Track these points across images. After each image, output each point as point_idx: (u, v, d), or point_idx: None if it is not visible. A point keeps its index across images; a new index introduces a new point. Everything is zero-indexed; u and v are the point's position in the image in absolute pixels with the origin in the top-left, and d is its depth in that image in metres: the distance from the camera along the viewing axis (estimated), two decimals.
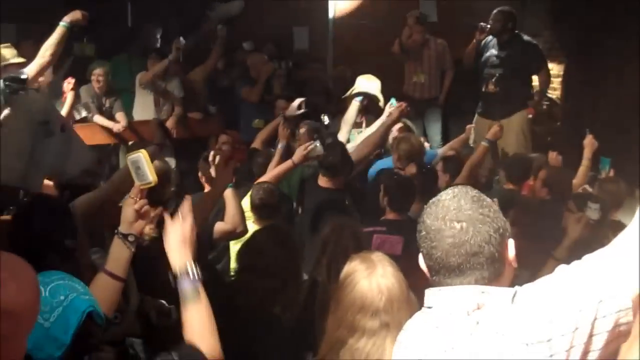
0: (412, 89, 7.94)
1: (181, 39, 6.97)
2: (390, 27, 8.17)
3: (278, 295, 3.01)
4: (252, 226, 4.26)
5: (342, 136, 5.64)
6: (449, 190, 1.76)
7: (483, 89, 7.10)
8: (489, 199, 1.74)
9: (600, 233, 3.89)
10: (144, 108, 7.32)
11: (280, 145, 5.27)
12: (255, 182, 4.64)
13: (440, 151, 6.21)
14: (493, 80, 6.96)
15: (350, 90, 6.30)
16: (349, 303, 2.34)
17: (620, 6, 6.92)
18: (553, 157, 5.81)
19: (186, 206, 2.38)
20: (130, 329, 2.89)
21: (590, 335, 1.50)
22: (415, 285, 2.22)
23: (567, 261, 1.59)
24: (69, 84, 5.31)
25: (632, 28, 6.56)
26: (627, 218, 4.75)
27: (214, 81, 7.88)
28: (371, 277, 2.35)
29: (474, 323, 1.60)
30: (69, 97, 5.32)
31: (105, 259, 2.48)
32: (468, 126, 6.52)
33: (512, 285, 1.69)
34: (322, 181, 4.88)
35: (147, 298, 3.13)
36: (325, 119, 6.54)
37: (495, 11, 7.02)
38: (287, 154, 5.10)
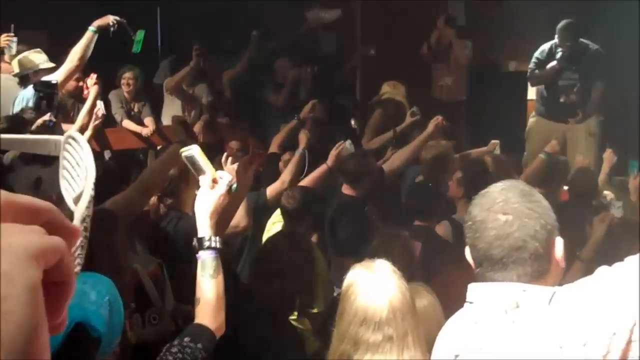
0: (439, 92, 7.97)
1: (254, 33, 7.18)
2: (419, 29, 8.24)
3: (292, 300, 3.01)
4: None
5: (368, 143, 5.70)
6: (499, 183, 1.76)
7: (561, 100, 7.05)
8: (540, 195, 1.72)
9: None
10: (172, 113, 7.43)
11: (298, 151, 5.11)
12: (290, 188, 4.60)
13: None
14: (575, 90, 6.93)
15: (377, 96, 6.37)
16: (351, 315, 2.24)
17: None
18: (580, 160, 5.81)
19: (225, 178, 2.39)
20: (165, 330, 2.99)
21: (629, 342, 1.48)
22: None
23: (593, 262, 1.61)
24: (91, 79, 5.32)
25: None
26: None
27: (241, 86, 7.96)
28: (372, 287, 2.23)
29: (511, 322, 1.60)
30: (92, 91, 5.29)
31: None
32: (493, 141, 6.27)
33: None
34: (345, 188, 4.94)
35: (179, 304, 3.21)
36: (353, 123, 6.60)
37: (560, 27, 6.97)
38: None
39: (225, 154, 4.14)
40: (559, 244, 1.68)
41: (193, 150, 2.41)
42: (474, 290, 1.71)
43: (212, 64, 7.54)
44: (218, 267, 2.27)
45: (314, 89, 7.78)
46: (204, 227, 2.31)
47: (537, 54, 7.23)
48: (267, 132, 7.44)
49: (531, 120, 7.26)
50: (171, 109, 7.47)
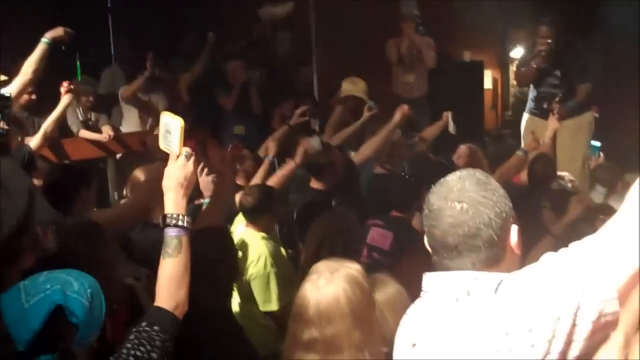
0: (400, 89, 8.09)
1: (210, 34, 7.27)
2: (374, 27, 8.34)
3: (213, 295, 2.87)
4: (244, 229, 4.34)
5: (329, 141, 5.80)
6: (457, 172, 1.79)
7: (544, 106, 6.86)
8: (496, 184, 1.75)
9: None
10: (129, 121, 7.46)
11: (268, 158, 5.24)
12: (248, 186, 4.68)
13: (415, 139, 6.32)
14: (556, 99, 6.64)
15: (337, 94, 6.48)
16: (292, 311, 2.30)
17: None
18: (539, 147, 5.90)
19: (190, 152, 2.37)
20: None
21: (573, 325, 1.52)
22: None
23: (565, 238, 1.64)
24: (64, 87, 5.29)
25: None
26: (617, 203, 4.91)
27: (199, 90, 8.00)
28: (312, 285, 2.26)
29: (461, 310, 1.64)
30: (63, 100, 5.27)
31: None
32: (444, 113, 6.46)
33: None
34: (313, 182, 5.07)
35: None
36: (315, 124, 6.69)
37: (540, 22, 6.69)
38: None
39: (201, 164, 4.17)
40: (513, 231, 1.72)
41: (176, 122, 2.38)
42: (428, 279, 1.75)
43: (168, 69, 7.56)
44: (179, 246, 2.26)
45: (271, 91, 7.85)
46: (168, 204, 2.31)
47: (523, 51, 7.14)
48: (226, 135, 7.51)
49: (525, 117, 7.26)
50: (129, 117, 7.49)
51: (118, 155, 7.25)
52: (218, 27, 8.14)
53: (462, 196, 1.69)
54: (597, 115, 7.20)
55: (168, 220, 2.28)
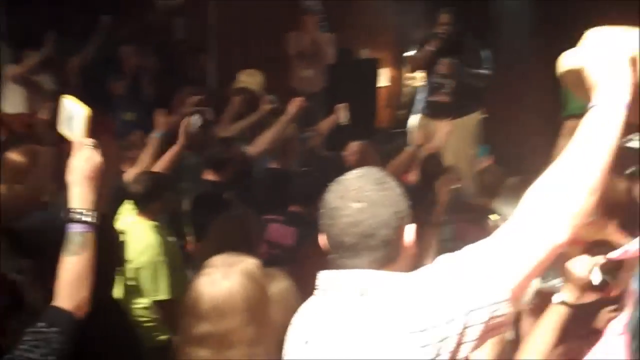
0: (298, 83, 8.11)
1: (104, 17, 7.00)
2: (274, 18, 8.31)
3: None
4: (133, 218, 4.23)
5: (224, 132, 5.75)
6: (355, 170, 1.79)
7: (431, 98, 7.17)
8: (394, 183, 1.76)
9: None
10: (14, 102, 7.16)
11: (155, 134, 5.09)
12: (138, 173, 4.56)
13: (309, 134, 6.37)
14: (444, 90, 7.00)
15: (233, 84, 6.43)
16: (184, 304, 2.25)
17: None
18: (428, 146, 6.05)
19: (95, 142, 2.29)
20: None
21: (465, 327, 1.57)
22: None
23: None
24: None
25: None
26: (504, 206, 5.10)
27: (89, 74, 7.77)
28: (207, 279, 2.22)
29: (359, 308, 1.65)
30: None
31: None
32: (338, 105, 6.49)
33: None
34: (207, 174, 5.03)
35: None
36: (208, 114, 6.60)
37: (443, 14, 6.99)
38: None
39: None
40: (409, 230, 1.75)
41: (81, 109, 2.29)
42: (323, 277, 1.76)
43: (58, 49, 7.31)
44: (84, 243, 2.17)
45: (164, 78, 7.71)
46: (74, 198, 2.21)
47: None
48: (116, 121, 7.33)
49: (414, 118, 7.41)
50: (13, 97, 7.18)
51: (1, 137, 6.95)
52: (112, 9, 7.92)
53: (360, 195, 1.70)
54: (484, 115, 7.43)
55: (72, 215, 2.18)
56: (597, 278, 2.29)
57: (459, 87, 7.03)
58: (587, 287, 2.32)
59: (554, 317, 2.34)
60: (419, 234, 1.79)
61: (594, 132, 1.62)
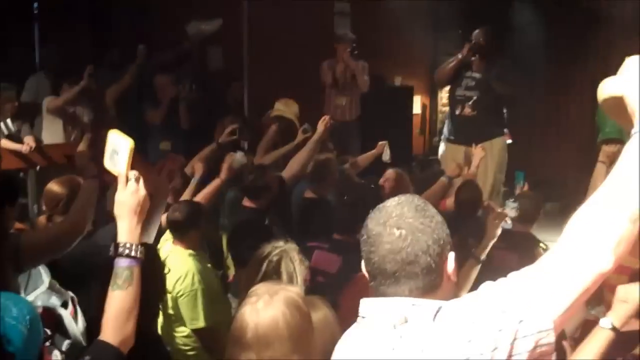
0: (333, 112, 8.09)
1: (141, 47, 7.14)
2: (308, 47, 8.40)
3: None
4: (171, 247, 4.29)
5: (260, 160, 5.80)
6: (396, 197, 1.79)
7: (457, 112, 7.16)
8: (434, 210, 1.76)
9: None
10: (52, 133, 7.31)
11: (194, 179, 5.19)
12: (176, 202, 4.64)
13: (346, 165, 6.38)
14: (470, 103, 6.99)
15: (268, 113, 6.50)
16: (230, 333, 2.26)
17: None
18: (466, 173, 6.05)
19: (138, 175, 2.31)
20: None
21: (510, 356, 1.55)
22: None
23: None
24: None
25: None
26: (540, 232, 5.08)
27: (126, 103, 7.89)
28: (251, 308, 2.22)
29: (398, 337, 1.64)
30: None
31: None
32: (380, 142, 6.55)
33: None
34: (246, 201, 5.06)
35: None
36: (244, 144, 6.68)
37: (478, 31, 7.03)
38: None
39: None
40: (451, 258, 1.74)
41: (125, 142, 2.30)
42: (365, 304, 1.76)
43: (95, 80, 7.45)
44: (130, 277, 2.19)
45: (200, 107, 7.80)
46: (121, 232, 2.24)
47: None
48: (152, 151, 7.42)
49: (442, 146, 7.41)
50: (52, 128, 7.33)
51: (38, 167, 7.08)
52: (147, 39, 8.06)
53: (401, 222, 1.70)
54: (510, 141, 7.40)
55: (120, 250, 2.20)
56: None
57: (484, 100, 7.00)
58: (636, 313, 2.37)
59: (599, 341, 2.38)
60: (458, 264, 1.79)
61: (635, 159, 1.63)
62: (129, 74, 7.71)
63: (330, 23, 8.57)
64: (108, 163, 2.38)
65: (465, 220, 5.07)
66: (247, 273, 3.35)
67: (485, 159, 6.68)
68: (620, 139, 4.28)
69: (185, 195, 4.96)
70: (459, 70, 7.14)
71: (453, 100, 7.31)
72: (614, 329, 2.40)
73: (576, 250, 1.60)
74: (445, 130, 7.43)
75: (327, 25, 8.47)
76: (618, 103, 1.75)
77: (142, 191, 2.29)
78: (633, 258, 3.64)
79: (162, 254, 4.12)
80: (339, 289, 3.70)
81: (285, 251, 3.23)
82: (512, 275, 1.65)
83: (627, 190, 1.60)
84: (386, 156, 6.51)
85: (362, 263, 1.79)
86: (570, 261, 1.60)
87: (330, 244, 4.46)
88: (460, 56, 7.07)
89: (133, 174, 2.31)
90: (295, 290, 2.34)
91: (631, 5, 7.08)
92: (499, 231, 4.01)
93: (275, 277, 3.07)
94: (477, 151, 6.09)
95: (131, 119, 7.72)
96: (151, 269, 2.92)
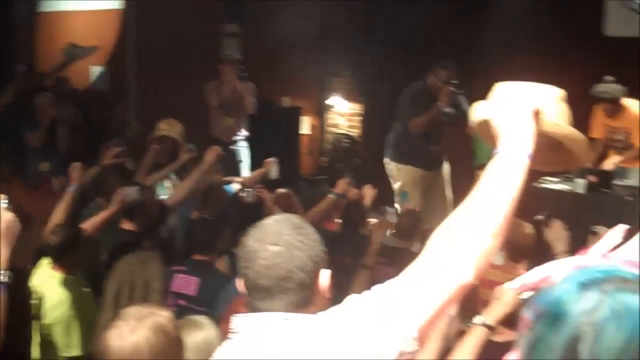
0: (219, 133, 8.10)
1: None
2: (196, 66, 8.35)
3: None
4: (48, 271, 4.14)
5: (142, 180, 5.70)
6: (274, 216, 1.88)
7: (431, 148, 7.00)
8: (311, 229, 1.82)
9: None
10: None
11: (69, 189, 4.98)
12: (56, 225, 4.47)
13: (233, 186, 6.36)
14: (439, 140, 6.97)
15: (152, 133, 6.40)
16: (95, 356, 2.28)
17: None
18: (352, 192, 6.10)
19: (6, 199, 2.28)
20: None
21: None
22: None
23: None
24: None
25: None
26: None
27: (3, 124, 7.59)
28: (114, 332, 2.24)
29: (272, 351, 1.68)
30: None
31: None
32: (266, 160, 6.56)
33: None
34: (124, 223, 4.98)
35: None
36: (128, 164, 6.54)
37: (440, 68, 6.65)
38: None
39: None
40: (324, 275, 1.80)
41: None
42: (238, 320, 1.79)
43: None
44: None
45: (83, 129, 7.61)
46: None
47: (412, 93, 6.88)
48: (30, 173, 7.16)
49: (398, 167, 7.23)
50: None
51: None
52: (27, 58, 7.83)
53: (278, 239, 1.75)
54: None
55: None
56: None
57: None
58: (508, 313, 2.51)
59: (473, 339, 2.51)
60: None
61: (497, 178, 1.73)
62: (7, 94, 7.40)
63: (220, 44, 8.54)
64: None
65: (352, 238, 5.13)
66: (108, 283, 3.37)
67: (442, 185, 7.08)
68: None
69: (61, 207, 4.76)
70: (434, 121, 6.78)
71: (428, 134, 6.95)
72: (486, 325, 2.52)
73: (439, 262, 1.67)
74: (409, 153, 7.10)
75: (216, 46, 8.43)
76: (488, 126, 1.86)
77: (8, 215, 2.24)
78: (500, 272, 3.84)
79: (38, 279, 4.06)
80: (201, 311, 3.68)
81: (141, 261, 3.26)
82: (376, 287, 1.70)
83: (488, 207, 1.68)
84: (273, 173, 6.52)
85: (237, 280, 1.83)
86: (433, 272, 1.66)
87: (189, 266, 4.43)
88: (435, 110, 6.61)
89: (1, 197, 2.25)
90: (165, 315, 2.34)
91: None
92: (382, 238, 4.10)
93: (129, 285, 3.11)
94: (367, 188, 6.14)
95: (8, 140, 7.46)
96: (18, 294, 2.83)
